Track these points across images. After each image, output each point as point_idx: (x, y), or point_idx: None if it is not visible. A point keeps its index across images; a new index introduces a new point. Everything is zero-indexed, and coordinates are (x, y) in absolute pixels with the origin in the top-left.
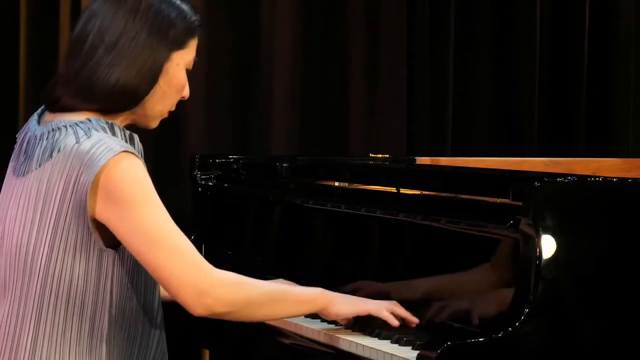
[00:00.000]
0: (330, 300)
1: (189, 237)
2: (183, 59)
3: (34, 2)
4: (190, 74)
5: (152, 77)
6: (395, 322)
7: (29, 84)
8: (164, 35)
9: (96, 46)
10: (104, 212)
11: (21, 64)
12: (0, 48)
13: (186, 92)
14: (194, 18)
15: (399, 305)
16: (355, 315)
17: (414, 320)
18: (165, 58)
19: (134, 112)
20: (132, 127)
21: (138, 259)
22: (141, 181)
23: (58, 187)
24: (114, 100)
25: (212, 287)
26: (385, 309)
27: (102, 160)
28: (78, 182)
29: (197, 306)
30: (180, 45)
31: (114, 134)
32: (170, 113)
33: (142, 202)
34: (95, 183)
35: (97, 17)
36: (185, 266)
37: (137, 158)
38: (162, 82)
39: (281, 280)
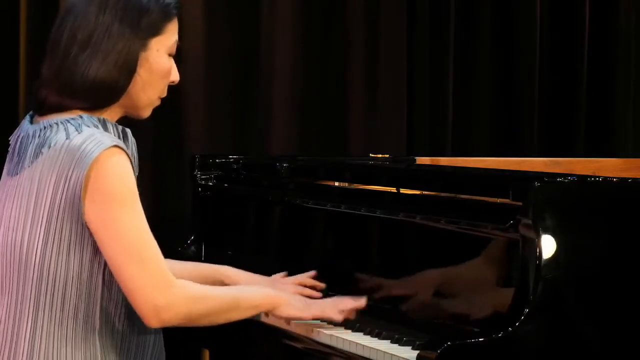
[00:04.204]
0: (276, 305)
1: (189, 237)
2: (163, 44)
3: (34, 2)
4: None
5: (129, 68)
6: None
7: (29, 83)
8: (136, 24)
9: (71, 44)
10: (88, 209)
11: (21, 64)
12: (0, 48)
13: (174, 77)
14: (167, 1)
15: (342, 303)
16: (299, 319)
17: (360, 304)
18: (141, 47)
19: (122, 104)
20: (126, 120)
21: (108, 261)
22: (126, 184)
23: (50, 183)
24: (97, 96)
25: (169, 305)
26: (323, 315)
27: (93, 155)
28: (70, 178)
29: (153, 320)
30: (156, 31)
31: (106, 129)
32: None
33: (122, 208)
34: (87, 178)
35: (70, 15)
36: (151, 280)
37: (126, 156)
38: (142, 71)
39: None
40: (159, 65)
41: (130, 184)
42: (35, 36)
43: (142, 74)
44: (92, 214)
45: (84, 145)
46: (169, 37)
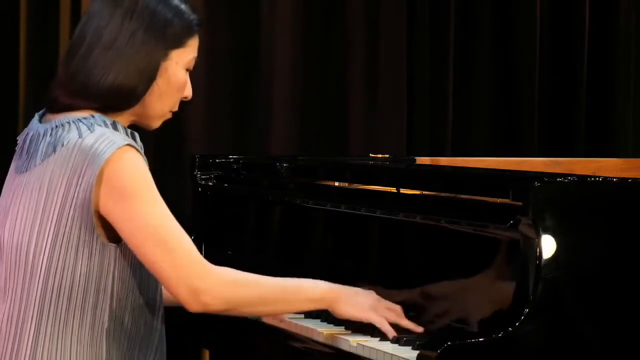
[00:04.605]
0: (334, 301)
1: (189, 237)
2: (182, 57)
3: (34, 2)
4: (190, 74)
5: (149, 75)
6: (392, 334)
7: (29, 83)
8: (161, 33)
9: (93, 46)
10: (106, 206)
11: (21, 64)
12: (0, 48)
13: (188, 92)
14: (192, 17)
15: (402, 315)
16: (356, 320)
17: (418, 330)
18: (163, 56)
19: (134, 111)
20: (133, 128)
21: (137, 254)
22: (143, 176)
23: (61, 182)
24: (113, 100)
25: (209, 286)
26: (387, 321)
27: (106, 154)
28: (83, 177)
29: (194, 304)
30: (178, 43)
31: (116, 130)
32: (173, 114)
33: (144, 198)
34: (99, 177)
35: (95, 18)
36: (184, 264)
37: (139, 153)
38: (160, 81)
39: None
40: (176, 77)
41: (145, 175)
42: (35, 36)
43: (159, 84)
44: (113, 213)
45: (97, 145)
46: (189, 51)
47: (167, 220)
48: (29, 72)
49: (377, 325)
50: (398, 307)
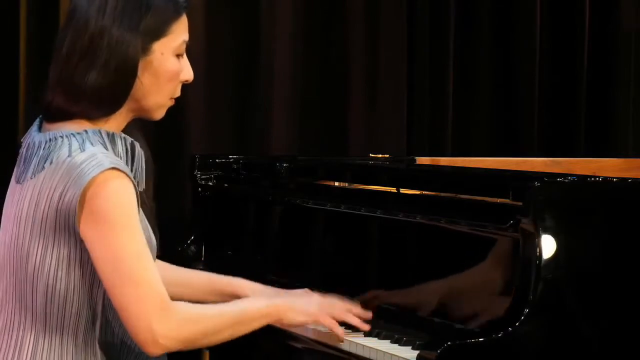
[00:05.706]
0: (281, 313)
1: (189, 237)
2: (167, 46)
3: (34, 1)
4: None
5: (128, 74)
6: (339, 332)
7: (29, 83)
8: (135, 28)
9: (72, 50)
10: (84, 228)
11: (21, 64)
12: (0, 48)
13: (186, 76)
14: (170, 3)
15: (348, 307)
16: (305, 324)
17: (368, 315)
18: (142, 52)
19: (129, 108)
20: (137, 121)
21: (103, 281)
22: (125, 204)
23: (47, 198)
24: (99, 103)
25: (169, 331)
26: (333, 316)
27: (89, 175)
28: (65, 195)
29: (152, 347)
30: (158, 34)
31: (114, 144)
32: (174, 111)
33: (121, 228)
34: (82, 197)
35: (72, 18)
36: (145, 307)
37: (126, 177)
38: (146, 76)
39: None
40: (165, 67)
41: (127, 207)
42: (35, 36)
43: (144, 79)
44: (88, 236)
45: (84, 165)
46: (175, 38)
47: (140, 256)
48: (29, 72)
49: (328, 327)
50: (340, 302)
